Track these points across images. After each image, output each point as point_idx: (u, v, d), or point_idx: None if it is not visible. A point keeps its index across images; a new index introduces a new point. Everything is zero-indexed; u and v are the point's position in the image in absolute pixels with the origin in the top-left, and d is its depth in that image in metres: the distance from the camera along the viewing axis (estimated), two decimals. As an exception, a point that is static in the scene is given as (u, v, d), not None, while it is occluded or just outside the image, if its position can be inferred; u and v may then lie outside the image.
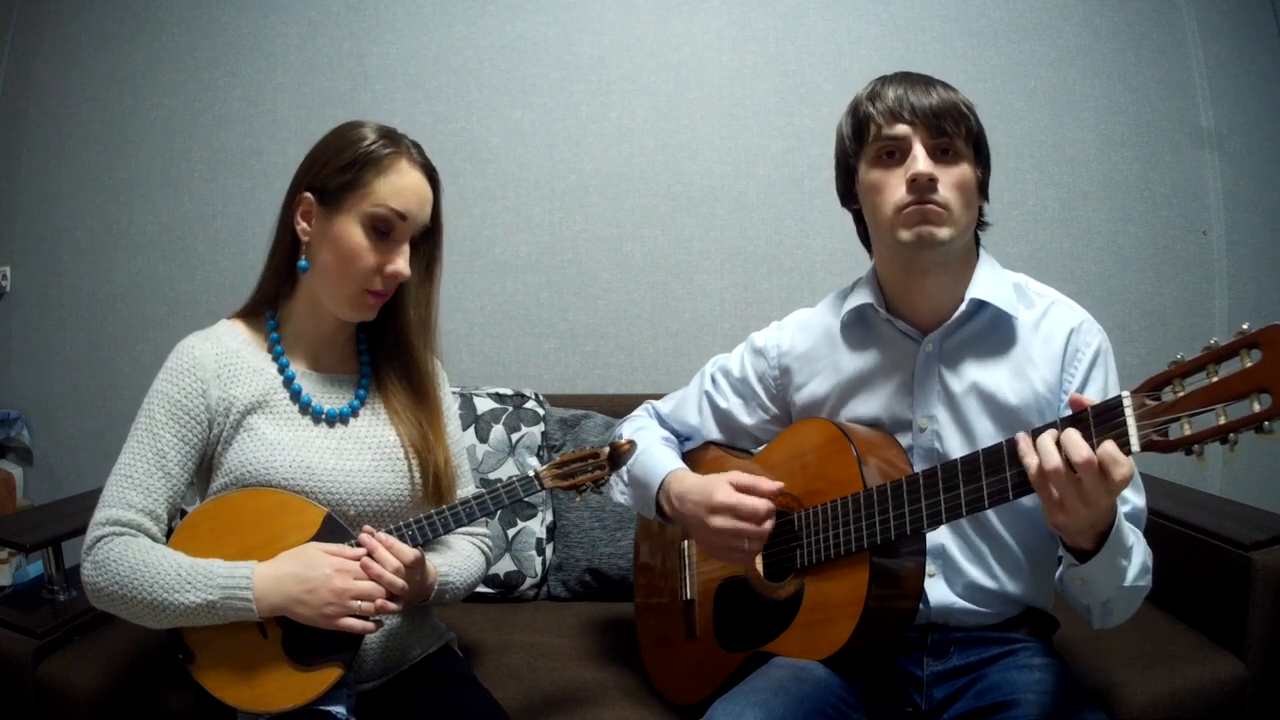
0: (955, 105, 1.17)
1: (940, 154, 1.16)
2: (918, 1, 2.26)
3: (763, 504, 1.19)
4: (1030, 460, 0.94)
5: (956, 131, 1.16)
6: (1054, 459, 0.92)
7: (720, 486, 1.21)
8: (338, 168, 1.20)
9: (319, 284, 1.23)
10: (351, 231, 1.19)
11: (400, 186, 1.20)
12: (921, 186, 1.14)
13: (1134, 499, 1.16)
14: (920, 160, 1.15)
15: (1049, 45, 2.26)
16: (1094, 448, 0.90)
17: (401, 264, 1.21)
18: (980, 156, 1.21)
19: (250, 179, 2.31)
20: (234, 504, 1.18)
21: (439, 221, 1.28)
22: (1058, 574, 1.16)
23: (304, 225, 1.22)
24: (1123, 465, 0.89)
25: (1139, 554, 1.08)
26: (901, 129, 1.16)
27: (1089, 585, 1.06)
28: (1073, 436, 0.91)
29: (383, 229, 1.20)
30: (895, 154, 1.18)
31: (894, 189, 1.17)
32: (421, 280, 1.29)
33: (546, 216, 2.31)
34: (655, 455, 1.37)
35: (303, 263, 1.23)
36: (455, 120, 2.30)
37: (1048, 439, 0.93)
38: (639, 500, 1.39)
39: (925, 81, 1.19)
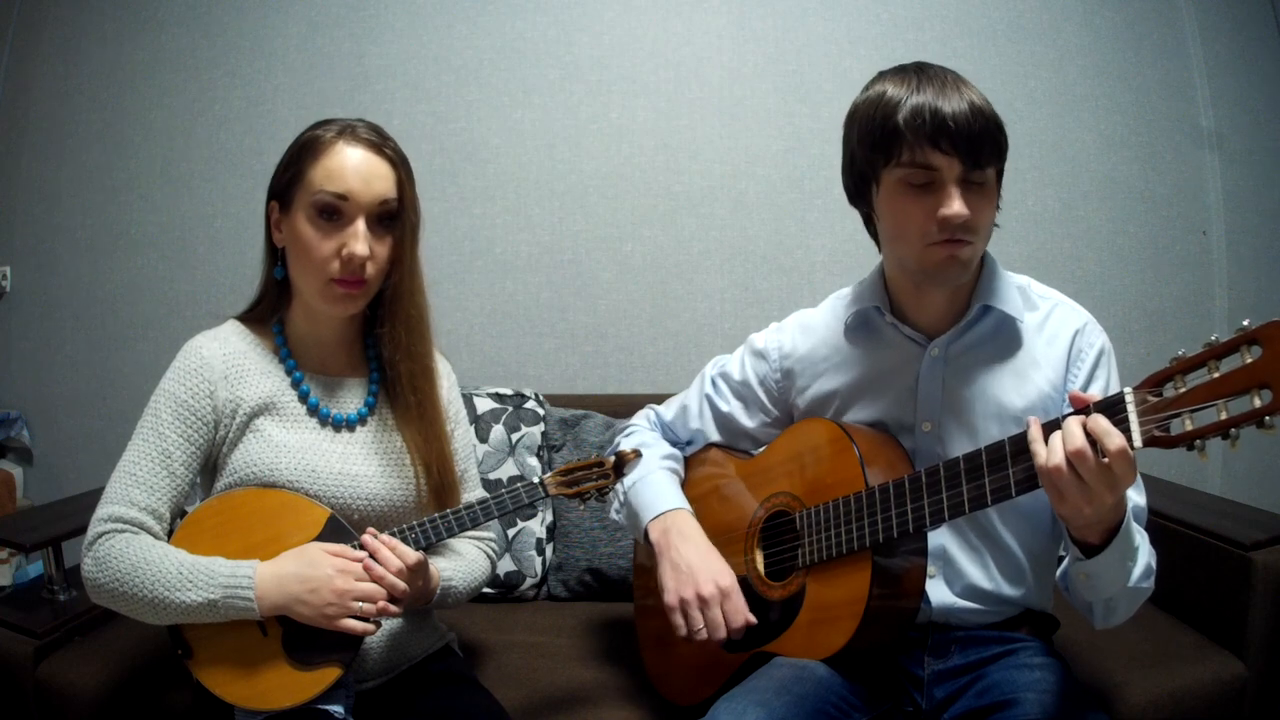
0: (989, 128, 1.10)
1: (971, 184, 1.11)
2: (918, 1, 2.25)
3: (739, 623, 1.20)
4: (1039, 448, 0.95)
5: (992, 161, 1.11)
6: (1057, 455, 0.92)
7: (724, 576, 1.23)
8: (283, 168, 1.21)
9: (299, 285, 1.24)
10: (302, 226, 1.18)
11: (333, 168, 1.17)
12: (955, 228, 1.11)
13: (1135, 497, 1.15)
14: (956, 202, 1.09)
15: (1049, 45, 2.25)
16: (1096, 446, 0.90)
17: (357, 245, 1.16)
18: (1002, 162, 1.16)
19: (250, 179, 2.31)
20: (238, 502, 1.18)
21: (406, 203, 1.22)
22: (1060, 570, 1.16)
23: (277, 233, 1.23)
24: (1114, 437, 0.89)
25: (1144, 556, 1.08)
26: (937, 160, 1.09)
27: (1093, 581, 1.05)
28: (1072, 427, 0.91)
29: (327, 214, 1.17)
30: (925, 183, 1.12)
31: (923, 221, 1.12)
32: (397, 267, 1.24)
33: (546, 216, 2.31)
34: (654, 485, 1.36)
35: (277, 270, 1.24)
36: (455, 120, 2.30)
37: (1056, 437, 0.93)
38: (630, 526, 1.40)
39: (955, 88, 1.11)
